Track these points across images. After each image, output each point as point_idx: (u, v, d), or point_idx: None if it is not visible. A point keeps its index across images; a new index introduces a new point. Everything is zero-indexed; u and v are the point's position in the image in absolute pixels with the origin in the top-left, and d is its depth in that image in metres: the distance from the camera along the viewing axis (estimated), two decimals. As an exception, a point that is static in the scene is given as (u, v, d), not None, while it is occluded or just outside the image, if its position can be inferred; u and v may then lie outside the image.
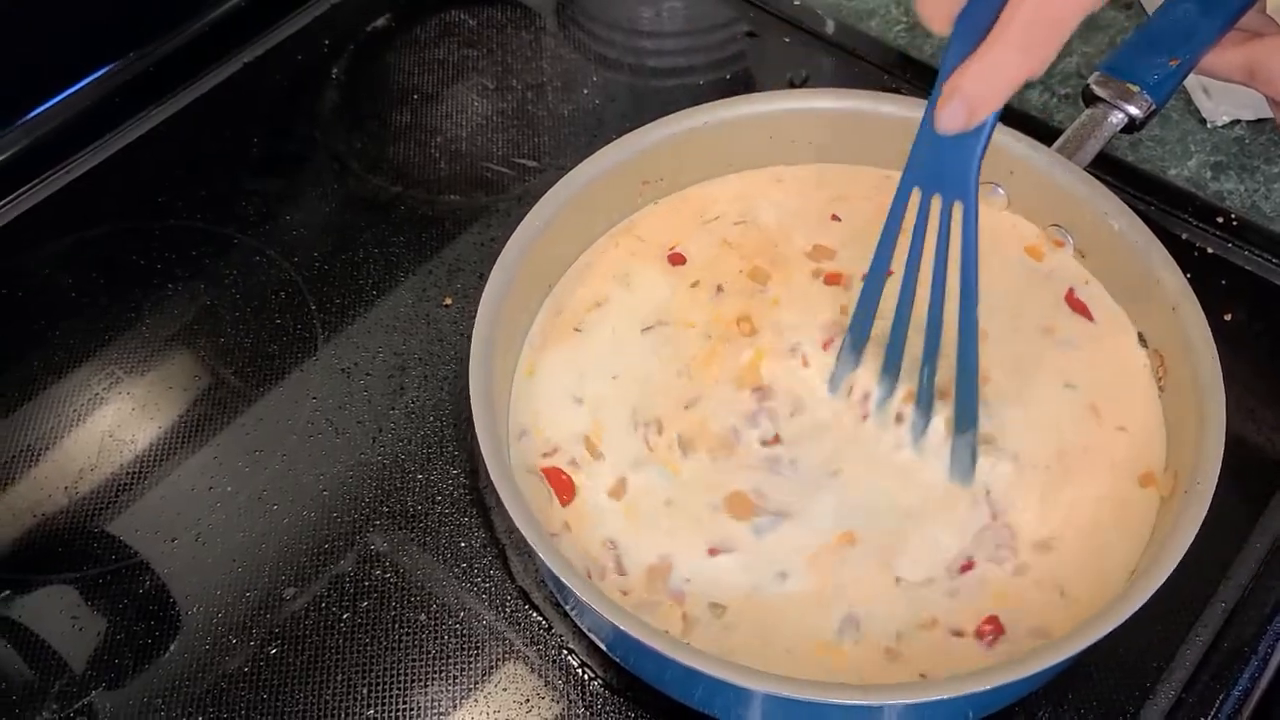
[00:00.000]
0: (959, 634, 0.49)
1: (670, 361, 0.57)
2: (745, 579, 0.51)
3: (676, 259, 0.60)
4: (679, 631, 0.50)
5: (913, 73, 0.77)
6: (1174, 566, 0.45)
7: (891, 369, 0.54)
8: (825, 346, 0.56)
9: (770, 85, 0.77)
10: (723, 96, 0.62)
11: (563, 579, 0.46)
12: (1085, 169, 0.58)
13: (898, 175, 0.50)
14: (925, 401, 0.53)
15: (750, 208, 0.62)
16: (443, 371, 0.64)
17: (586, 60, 0.79)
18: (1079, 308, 0.58)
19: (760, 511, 0.52)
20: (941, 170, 0.47)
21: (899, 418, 0.54)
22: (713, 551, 0.51)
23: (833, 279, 0.59)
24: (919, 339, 0.52)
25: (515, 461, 0.54)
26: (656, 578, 0.51)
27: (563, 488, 0.53)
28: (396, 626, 0.55)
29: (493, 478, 0.48)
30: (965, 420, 0.52)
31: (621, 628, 0.45)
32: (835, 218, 0.62)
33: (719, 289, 0.59)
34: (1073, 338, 0.57)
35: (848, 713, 0.47)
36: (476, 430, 0.50)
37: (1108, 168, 0.61)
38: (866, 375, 0.55)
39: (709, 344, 0.57)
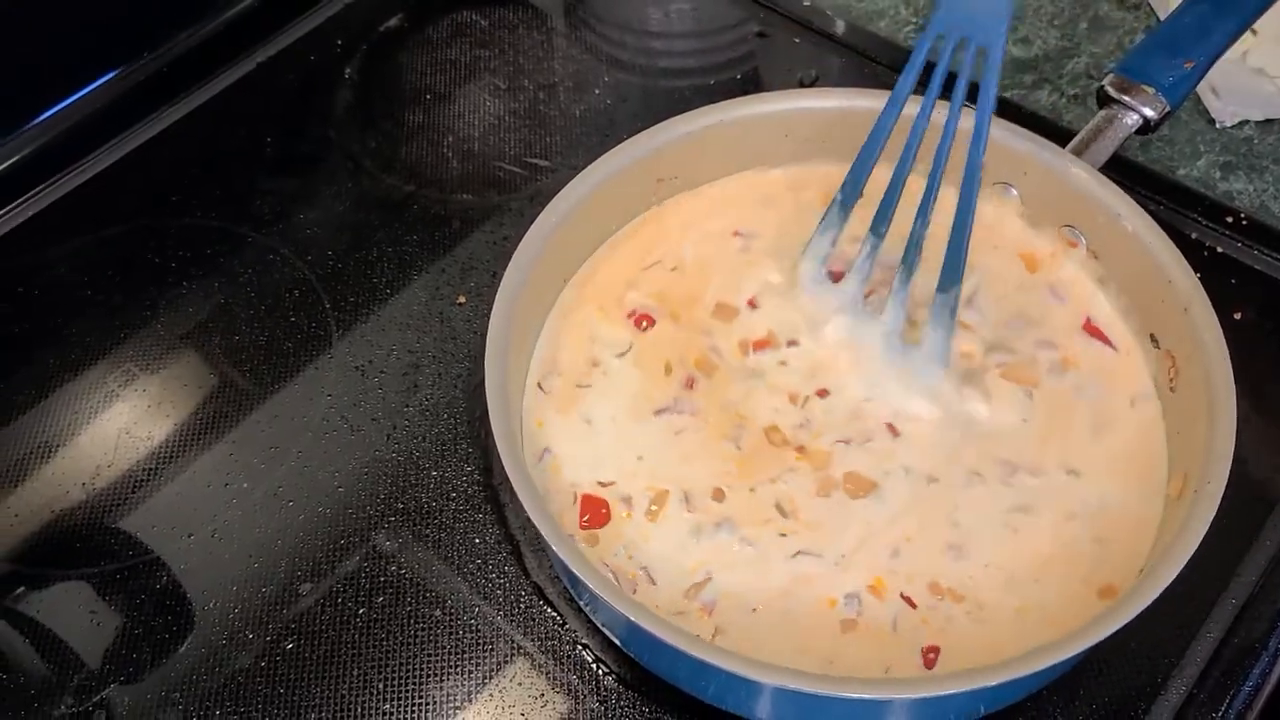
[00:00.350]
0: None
1: (702, 457, 0.55)
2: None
3: (642, 319, 0.59)
4: (709, 637, 0.50)
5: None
6: (1184, 564, 0.46)
7: (883, 219, 0.55)
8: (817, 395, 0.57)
9: (780, 85, 0.77)
10: (733, 96, 0.62)
11: (577, 572, 0.47)
12: (1098, 170, 0.59)
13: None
14: (913, 252, 0.54)
15: (679, 246, 0.62)
16: (456, 369, 0.64)
17: (597, 61, 0.80)
18: (1097, 334, 0.58)
19: (882, 487, 0.53)
20: (975, 11, 0.49)
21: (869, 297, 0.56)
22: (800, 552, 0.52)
23: (760, 345, 0.58)
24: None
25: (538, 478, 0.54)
26: (694, 591, 0.51)
27: (596, 519, 0.53)
28: (411, 622, 0.55)
29: (508, 472, 0.49)
30: (951, 275, 0.53)
31: (635, 621, 0.46)
32: (737, 233, 0.62)
33: (691, 384, 0.57)
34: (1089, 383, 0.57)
35: (859, 706, 0.47)
36: (491, 426, 0.50)
37: (1118, 168, 0.61)
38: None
39: (743, 454, 0.55)
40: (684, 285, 0.61)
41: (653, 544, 0.53)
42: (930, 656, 0.50)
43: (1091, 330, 0.58)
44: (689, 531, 0.53)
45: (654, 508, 0.53)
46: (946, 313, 0.54)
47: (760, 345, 0.58)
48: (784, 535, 0.53)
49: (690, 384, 0.57)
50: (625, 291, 0.60)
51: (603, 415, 0.56)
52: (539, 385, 0.57)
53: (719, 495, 0.54)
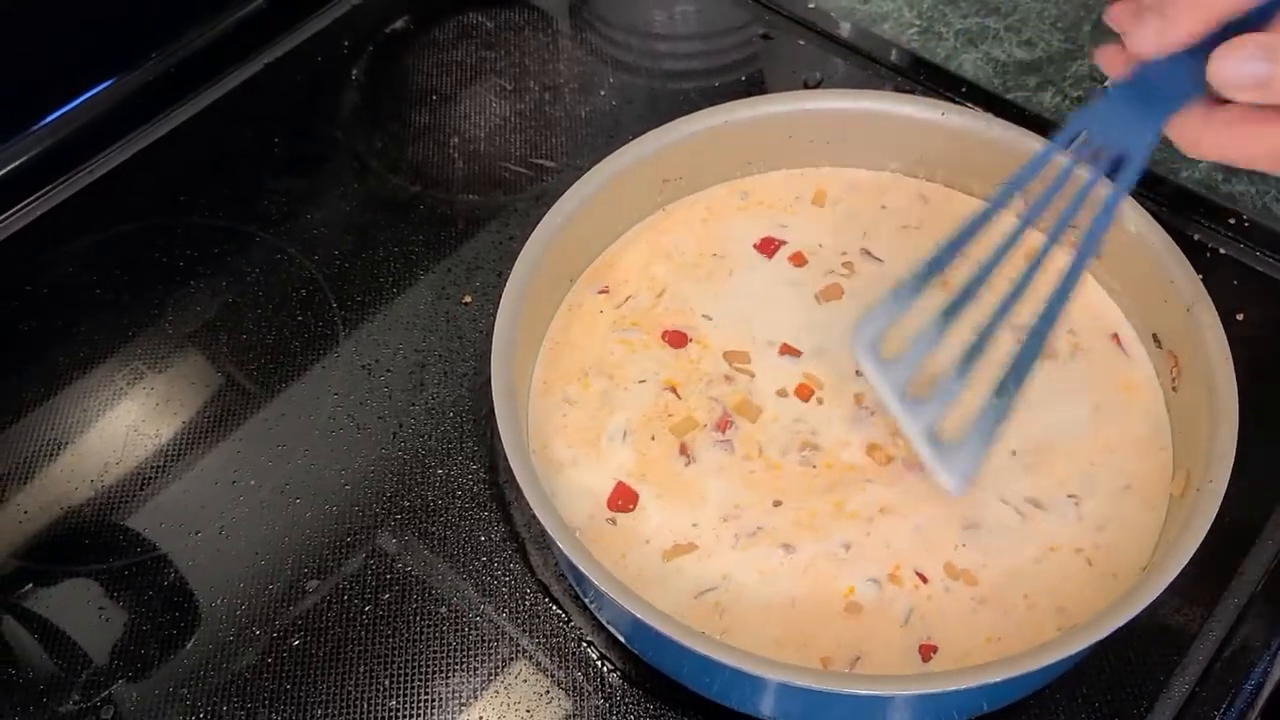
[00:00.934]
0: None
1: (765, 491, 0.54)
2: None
3: (677, 339, 0.59)
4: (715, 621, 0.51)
5: (926, 75, 0.77)
6: (1186, 562, 0.46)
7: (958, 308, 0.49)
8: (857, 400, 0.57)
9: (784, 87, 0.77)
10: (737, 98, 0.62)
11: (581, 568, 0.47)
12: (1099, 170, 0.59)
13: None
14: (979, 351, 0.49)
15: (654, 276, 0.62)
16: (462, 368, 0.64)
17: (602, 63, 0.80)
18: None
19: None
20: (1122, 123, 0.46)
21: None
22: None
23: (804, 392, 0.57)
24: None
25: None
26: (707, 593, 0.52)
27: (627, 506, 0.54)
28: (417, 619, 0.56)
29: (513, 469, 0.49)
30: (1013, 381, 0.48)
31: (639, 618, 0.46)
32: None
33: (762, 455, 0.56)
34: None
35: (863, 702, 0.47)
36: (497, 425, 0.50)
37: (1121, 169, 0.61)
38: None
39: (825, 498, 0.54)
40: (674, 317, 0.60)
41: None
42: (928, 649, 0.50)
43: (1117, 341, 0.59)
44: (727, 546, 0.53)
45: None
46: (990, 421, 0.49)
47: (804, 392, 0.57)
48: (819, 537, 0.53)
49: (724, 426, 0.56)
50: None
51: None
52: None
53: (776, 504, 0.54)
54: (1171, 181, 0.71)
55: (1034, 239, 0.50)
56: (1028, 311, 0.48)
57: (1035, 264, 0.48)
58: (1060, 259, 0.48)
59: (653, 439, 0.56)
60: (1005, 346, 0.49)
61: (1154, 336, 0.57)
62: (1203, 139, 0.44)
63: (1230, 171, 0.72)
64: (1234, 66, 0.42)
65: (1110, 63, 0.46)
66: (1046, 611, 0.51)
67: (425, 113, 0.77)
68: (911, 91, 0.75)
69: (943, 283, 0.54)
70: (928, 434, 0.49)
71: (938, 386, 0.50)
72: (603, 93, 0.78)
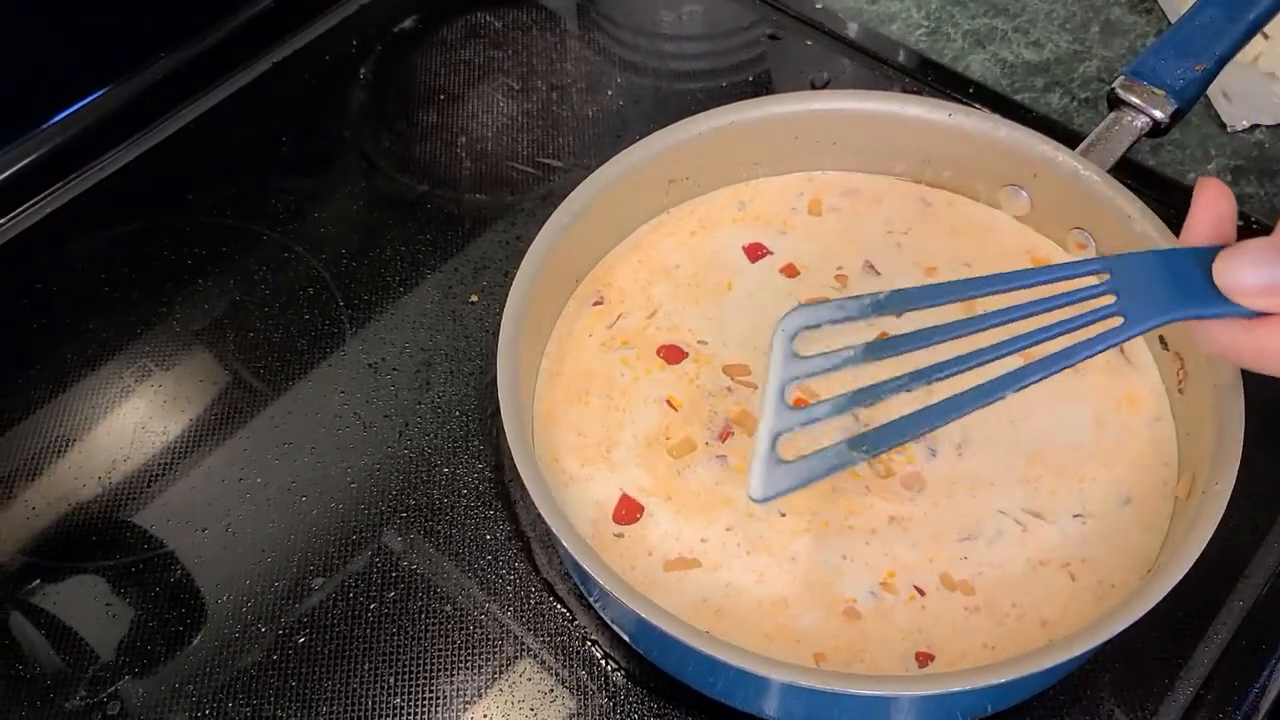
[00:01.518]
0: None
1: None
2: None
3: (673, 354, 0.59)
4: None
5: (934, 76, 0.77)
6: (1191, 564, 0.46)
7: (889, 351, 0.47)
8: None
9: (792, 88, 0.77)
10: (744, 98, 0.62)
11: (586, 568, 0.47)
12: (1108, 172, 0.59)
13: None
14: (876, 396, 0.47)
15: (649, 295, 0.61)
16: (468, 367, 0.64)
17: (610, 63, 0.80)
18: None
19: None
20: (1145, 286, 0.43)
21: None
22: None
23: (801, 405, 0.53)
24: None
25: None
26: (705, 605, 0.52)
27: (630, 517, 0.54)
28: (422, 617, 0.56)
29: (519, 468, 0.49)
30: (885, 438, 0.46)
31: (644, 618, 0.46)
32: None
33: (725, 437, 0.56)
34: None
35: (868, 702, 0.47)
36: (503, 423, 0.50)
37: (1128, 171, 0.61)
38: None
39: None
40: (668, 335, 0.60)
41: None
42: (924, 656, 0.50)
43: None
44: (731, 555, 0.53)
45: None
46: (825, 463, 0.46)
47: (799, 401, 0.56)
48: (820, 547, 0.53)
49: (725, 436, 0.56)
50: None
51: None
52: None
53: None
54: (1179, 184, 0.70)
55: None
56: (945, 389, 0.46)
57: (975, 356, 0.46)
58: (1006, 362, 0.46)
59: (654, 454, 0.56)
60: (899, 405, 0.47)
61: (1160, 339, 0.57)
62: (1243, 346, 0.40)
63: (1239, 173, 0.72)
64: (1240, 273, 0.39)
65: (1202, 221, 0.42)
66: (1033, 623, 0.51)
67: (433, 112, 0.77)
68: (919, 92, 0.75)
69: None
70: (771, 436, 0.48)
71: (814, 404, 0.48)
72: (610, 92, 0.78)
